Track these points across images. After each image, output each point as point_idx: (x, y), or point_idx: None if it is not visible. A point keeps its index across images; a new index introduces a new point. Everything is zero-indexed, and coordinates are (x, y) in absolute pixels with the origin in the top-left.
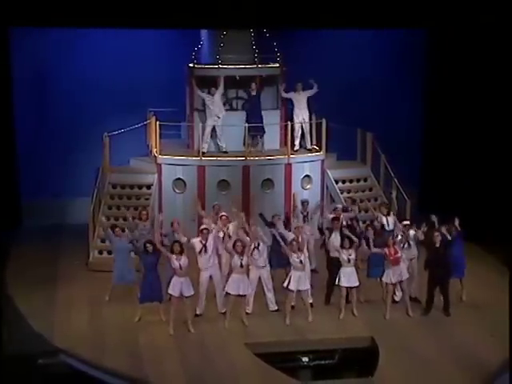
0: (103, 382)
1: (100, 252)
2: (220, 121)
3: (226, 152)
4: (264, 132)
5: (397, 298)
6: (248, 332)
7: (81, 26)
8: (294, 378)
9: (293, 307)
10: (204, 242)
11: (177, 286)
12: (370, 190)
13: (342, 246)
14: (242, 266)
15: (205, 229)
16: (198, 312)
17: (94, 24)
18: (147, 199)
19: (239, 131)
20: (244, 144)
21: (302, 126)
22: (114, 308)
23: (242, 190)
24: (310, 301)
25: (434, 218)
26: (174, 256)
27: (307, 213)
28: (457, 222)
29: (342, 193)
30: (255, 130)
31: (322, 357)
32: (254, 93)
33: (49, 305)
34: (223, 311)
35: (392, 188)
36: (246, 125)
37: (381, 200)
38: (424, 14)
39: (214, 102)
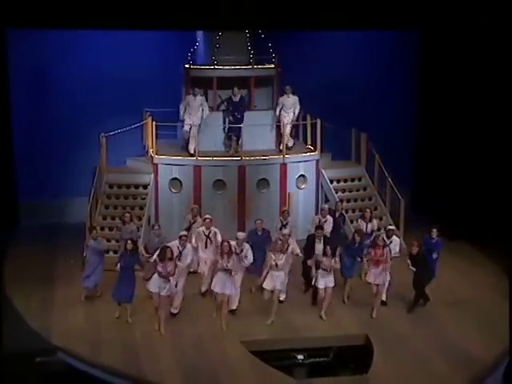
0: (100, 380)
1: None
2: (197, 122)
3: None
4: (240, 132)
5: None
6: (243, 330)
7: (79, 28)
8: (289, 376)
9: (281, 302)
10: (181, 249)
11: (156, 283)
12: (365, 189)
13: (324, 254)
14: (226, 267)
15: (184, 235)
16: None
17: (93, 25)
18: (144, 199)
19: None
20: (224, 144)
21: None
22: (111, 306)
23: (238, 189)
24: (282, 298)
25: (433, 231)
26: (160, 264)
27: (287, 222)
28: (434, 233)
29: (336, 192)
30: (232, 131)
31: (317, 354)
32: (236, 99)
33: (46, 304)
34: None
35: (386, 187)
36: (231, 126)
37: (375, 199)
38: (421, 15)
39: (196, 102)
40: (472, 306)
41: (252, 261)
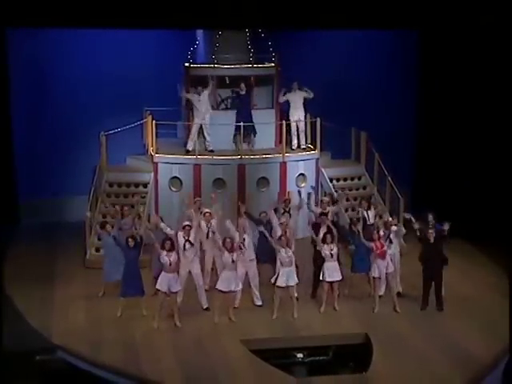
0: (100, 378)
1: (97, 250)
2: (207, 120)
3: (212, 151)
4: (255, 131)
5: (381, 292)
6: (243, 328)
7: (79, 27)
8: (288, 374)
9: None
10: (186, 238)
11: (165, 282)
12: (364, 188)
13: (323, 241)
14: (233, 261)
15: (187, 225)
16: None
17: (93, 25)
18: (143, 197)
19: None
20: (234, 143)
21: (297, 125)
22: (111, 305)
23: (238, 188)
24: (296, 295)
25: (430, 217)
26: (164, 252)
27: (289, 209)
28: (431, 221)
29: (336, 191)
30: (245, 129)
31: (317, 353)
32: (242, 92)
33: (47, 302)
34: (206, 307)
35: (386, 186)
36: (236, 124)
37: (374, 198)
38: (421, 15)
39: (201, 101)
40: (472, 305)
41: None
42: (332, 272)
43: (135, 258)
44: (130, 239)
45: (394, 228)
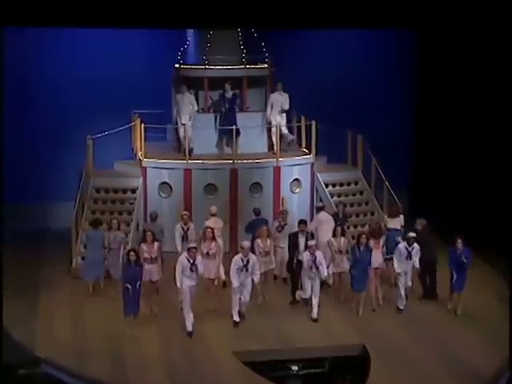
0: None
1: (83, 258)
2: (189, 122)
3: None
4: (238, 133)
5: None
6: (236, 340)
7: (76, 27)
8: None
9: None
10: (192, 261)
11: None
12: (361, 193)
13: (334, 235)
14: (208, 254)
15: (193, 247)
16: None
17: (93, 24)
18: (132, 204)
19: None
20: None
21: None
22: (97, 316)
23: (230, 194)
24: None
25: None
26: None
27: (285, 224)
28: (460, 244)
29: (332, 197)
30: (229, 132)
31: (313, 365)
32: (228, 95)
33: (30, 313)
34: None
35: (383, 191)
36: (223, 128)
37: (372, 204)
38: (421, 15)
39: (183, 102)
40: (472, 316)
41: (259, 277)
42: (340, 262)
43: (136, 275)
44: (131, 253)
45: (416, 246)
